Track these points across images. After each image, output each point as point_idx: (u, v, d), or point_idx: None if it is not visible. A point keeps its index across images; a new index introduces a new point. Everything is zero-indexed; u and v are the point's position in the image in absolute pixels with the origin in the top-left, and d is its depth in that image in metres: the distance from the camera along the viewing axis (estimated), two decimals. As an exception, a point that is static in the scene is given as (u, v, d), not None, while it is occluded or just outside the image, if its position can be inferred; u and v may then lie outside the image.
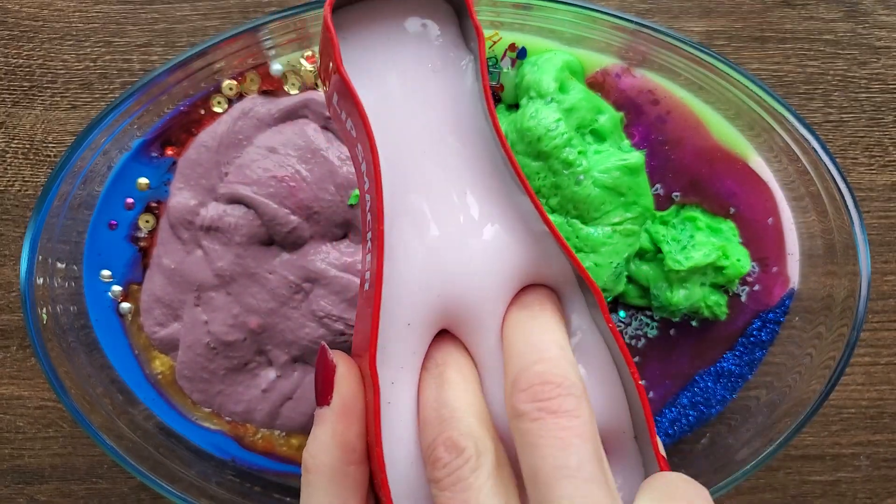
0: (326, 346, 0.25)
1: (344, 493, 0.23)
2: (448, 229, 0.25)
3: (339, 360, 0.24)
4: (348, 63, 0.24)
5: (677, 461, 0.39)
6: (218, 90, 0.36)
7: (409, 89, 0.26)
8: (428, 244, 0.24)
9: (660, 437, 0.36)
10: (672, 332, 0.39)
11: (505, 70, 0.36)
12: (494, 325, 0.25)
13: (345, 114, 0.24)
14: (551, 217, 0.35)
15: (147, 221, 0.37)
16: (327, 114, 0.36)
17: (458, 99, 0.26)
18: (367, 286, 0.24)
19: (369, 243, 0.24)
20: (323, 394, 0.24)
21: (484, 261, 0.25)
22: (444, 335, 0.26)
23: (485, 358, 0.25)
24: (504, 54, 0.36)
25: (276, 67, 0.36)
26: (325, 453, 0.23)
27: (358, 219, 0.36)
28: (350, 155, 0.26)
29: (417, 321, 0.24)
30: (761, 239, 0.38)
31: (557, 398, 0.21)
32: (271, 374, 0.37)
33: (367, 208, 0.24)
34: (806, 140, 0.35)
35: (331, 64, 0.24)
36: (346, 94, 0.23)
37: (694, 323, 0.39)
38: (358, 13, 0.25)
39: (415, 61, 0.26)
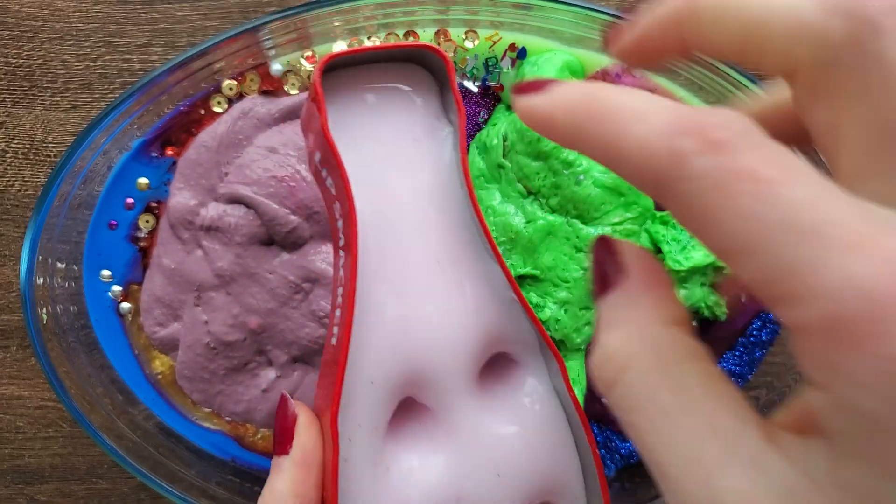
0: (288, 395, 0.25)
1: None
2: (419, 298, 0.25)
3: (301, 410, 0.24)
4: (333, 123, 0.25)
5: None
6: (218, 90, 0.36)
7: (389, 155, 0.26)
8: (398, 311, 0.25)
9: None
10: (672, 332, 0.39)
11: (505, 70, 0.36)
12: (459, 398, 0.25)
13: (325, 171, 0.25)
14: (551, 217, 0.35)
15: (147, 221, 0.37)
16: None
17: (437, 168, 0.27)
18: (333, 340, 0.24)
19: (339, 298, 0.24)
20: (282, 443, 0.24)
21: (451, 334, 0.25)
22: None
23: (450, 428, 0.25)
24: (504, 54, 0.36)
25: (276, 67, 0.36)
26: (279, 502, 0.23)
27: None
28: (327, 213, 0.26)
29: (380, 382, 0.24)
30: (761, 239, 0.38)
31: None
32: (271, 374, 0.37)
33: (341, 264, 0.25)
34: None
35: (315, 124, 0.24)
36: (329, 155, 0.24)
37: (694, 323, 0.39)
38: (346, 77, 0.26)
39: (397, 129, 0.27)
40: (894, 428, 0.12)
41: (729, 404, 0.15)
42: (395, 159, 0.26)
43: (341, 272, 0.25)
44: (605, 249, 0.18)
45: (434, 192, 0.26)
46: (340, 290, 0.24)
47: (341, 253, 0.25)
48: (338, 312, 0.24)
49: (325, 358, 0.25)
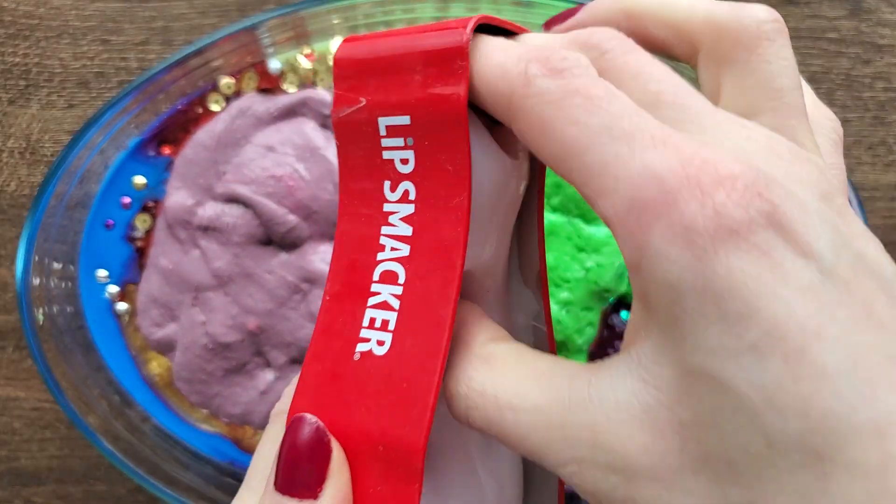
0: (320, 422, 0.19)
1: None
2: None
3: (335, 445, 0.19)
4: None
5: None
6: (215, 88, 0.36)
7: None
8: None
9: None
10: (674, 332, 0.38)
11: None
12: None
13: (402, 141, 0.19)
14: (553, 216, 0.35)
15: (144, 221, 0.37)
16: (325, 112, 0.35)
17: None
18: (374, 346, 0.19)
19: (386, 294, 0.19)
20: (307, 484, 0.18)
21: None
22: None
23: None
24: (505, 52, 0.36)
25: (275, 65, 0.36)
26: None
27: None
28: (349, 176, 0.20)
29: None
30: (764, 239, 0.37)
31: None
32: (269, 375, 0.36)
33: (392, 257, 0.20)
34: (810, 139, 0.34)
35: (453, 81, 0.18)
36: (452, 136, 0.18)
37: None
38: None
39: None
40: (691, 288, 0.14)
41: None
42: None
43: (392, 266, 0.19)
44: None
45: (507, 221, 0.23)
46: (390, 290, 0.19)
47: (395, 244, 0.19)
48: (377, 314, 0.19)
49: (356, 369, 0.19)
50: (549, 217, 0.35)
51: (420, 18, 0.35)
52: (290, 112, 0.36)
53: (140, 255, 0.37)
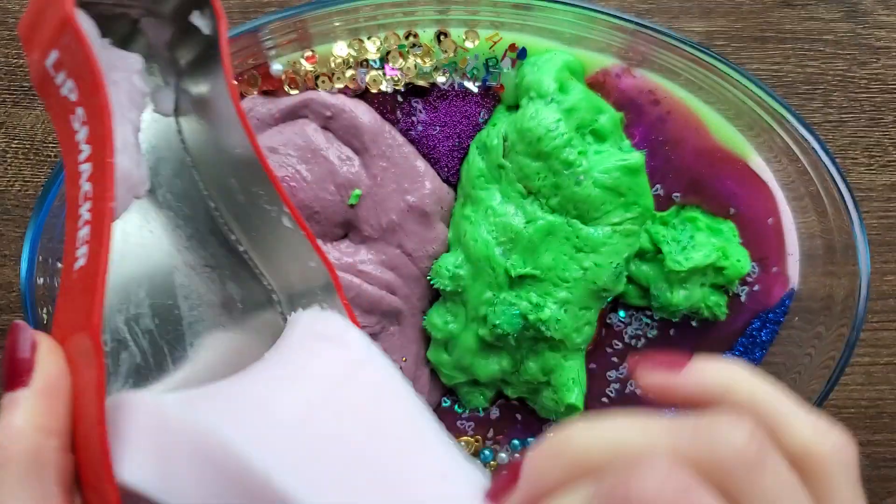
0: (22, 322, 0.22)
1: (45, 486, 0.20)
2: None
3: (41, 337, 0.22)
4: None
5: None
6: (218, 90, 0.36)
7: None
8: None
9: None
10: (672, 332, 0.39)
11: (505, 70, 0.36)
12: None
13: (63, 75, 0.22)
14: (551, 217, 0.35)
15: (147, 221, 0.37)
16: (327, 114, 0.36)
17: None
18: (81, 262, 0.22)
19: (85, 214, 0.22)
20: (16, 374, 0.21)
21: None
22: None
23: None
24: (504, 54, 0.36)
25: (276, 67, 0.36)
26: (20, 441, 0.20)
27: (359, 218, 0.36)
28: (57, 128, 0.24)
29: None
30: (761, 239, 0.38)
31: None
32: (271, 373, 0.37)
33: (84, 179, 0.22)
34: (806, 140, 0.35)
35: (53, 14, 0.22)
36: (77, 49, 0.21)
37: (694, 323, 0.39)
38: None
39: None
40: None
41: None
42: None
43: (85, 187, 0.22)
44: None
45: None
46: (87, 206, 0.22)
47: (83, 167, 0.22)
48: (84, 231, 0.22)
49: (71, 281, 0.23)
50: (548, 217, 0.35)
51: (420, 21, 0.36)
52: (291, 114, 0.36)
53: (143, 255, 0.37)
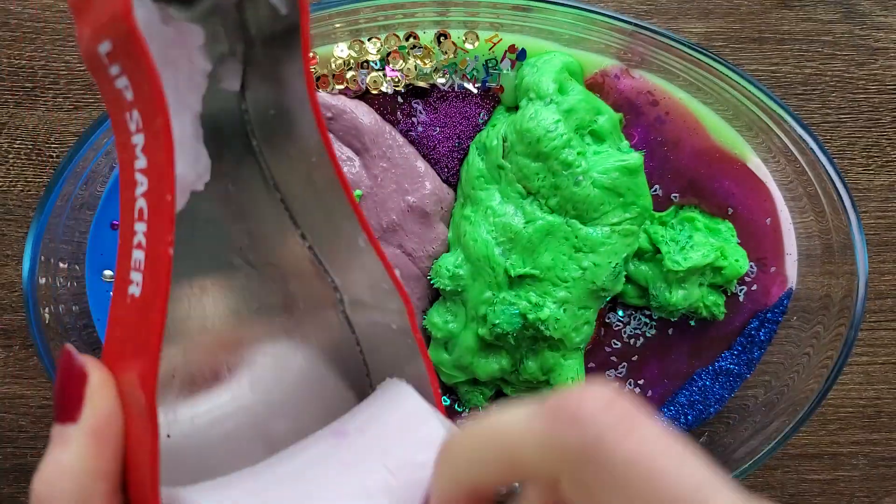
0: (72, 348, 0.20)
1: None
2: None
3: (92, 368, 0.20)
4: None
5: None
6: (219, 91, 0.36)
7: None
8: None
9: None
10: (670, 331, 0.39)
11: (505, 71, 0.36)
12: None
13: (118, 68, 0.19)
14: (550, 217, 0.35)
15: (149, 222, 0.37)
16: (328, 114, 0.36)
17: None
18: (135, 290, 0.19)
19: (137, 238, 0.20)
20: (67, 408, 0.19)
21: None
22: None
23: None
24: (504, 56, 0.36)
25: (277, 69, 0.36)
26: (68, 481, 0.19)
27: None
28: (109, 110, 0.20)
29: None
30: (759, 239, 0.38)
31: None
32: (272, 373, 0.37)
33: (140, 193, 0.19)
34: (804, 141, 0.35)
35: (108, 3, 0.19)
36: (135, 57, 0.18)
37: (692, 322, 0.39)
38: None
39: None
40: None
41: None
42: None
43: (140, 203, 0.19)
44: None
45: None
46: (143, 228, 0.19)
47: (139, 177, 0.19)
48: (138, 256, 0.19)
49: (126, 307, 0.20)
50: (547, 218, 0.35)
51: (420, 23, 0.36)
52: (292, 114, 0.36)
53: (145, 255, 0.37)
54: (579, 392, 0.16)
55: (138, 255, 0.19)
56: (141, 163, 0.19)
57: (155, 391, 0.18)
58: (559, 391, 0.16)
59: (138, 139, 0.19)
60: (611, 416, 0.15)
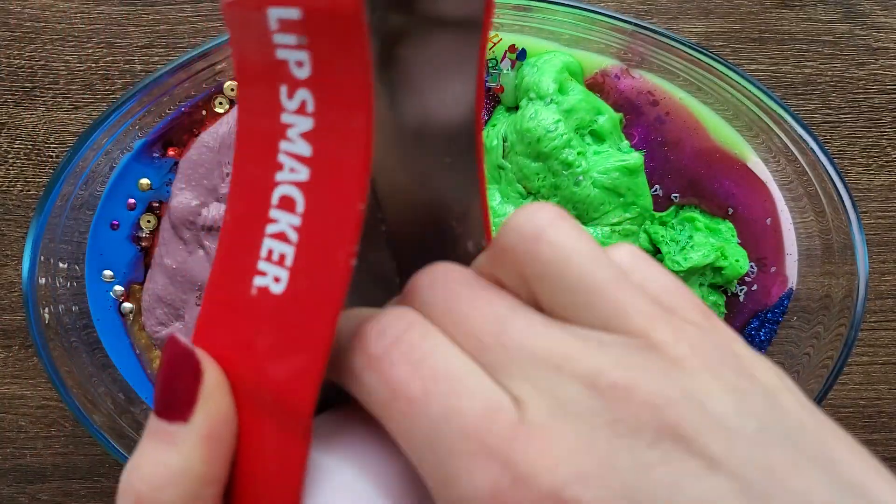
0: (181, 337, 0.18)
1: None
2: None
3: (207, 364, 0.17)
4: None
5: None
6: (220, 91, 0.36)
7: None
8: None
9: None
10: (671, 331, 0.39)
11: (504, 71, 0.36)
12: None
13: (294, 39, 0.16)
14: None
15: (149, 221, 0.37)
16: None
17: None
18: (274, 288, 0.17)
19: (280, 226, 0.17)
20: (176, 406, 0.17)
21: None
22: None
23: None
24: (504, 56, 0.36)
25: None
26: (177, 485, 0.17)
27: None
28: (249, 87, 0.17)
29: None
30: (759, 239, 0.38)
31: None
32: (272, 373, 0.37)
33: (292, 180, 0.17)
34: (804, 141, 0.35)
35: None
36: (346, 32, 0.15)
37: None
38: None
39: None
40: None
41: None
42: None
43: (290, 191, 0.17)
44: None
45: None
46: (293, 221, 0.17)
47: (294, 164, 0.17)
48: (285, 250, 0.17)
49: (247, 300, 0.18)
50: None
51: (420, 22, 0.36)
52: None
53: (145, 256, 0.37)
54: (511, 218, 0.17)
55: (280, 248, 0.17)
56: (299, 148, 0.17)
57: (314, 400, 0.16)
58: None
59: (297, 120, 0.17)
60: (537, 217, 0.16)
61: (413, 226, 0.23)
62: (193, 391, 0.17)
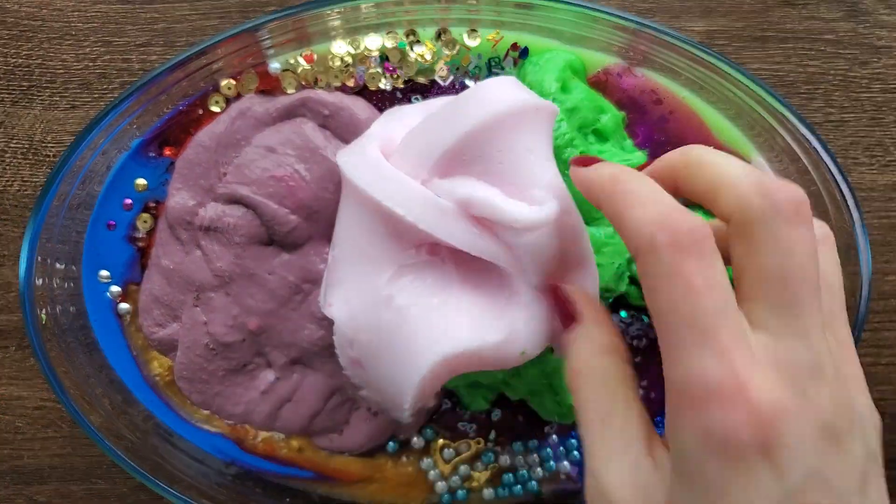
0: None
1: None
2: None
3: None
4: None
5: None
6: (216, 89, 0.36)
7: None
8: None
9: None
10: (673, 332, 0.39)
11: (507, 70, 0.36)
12: None
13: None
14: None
15: (145, 222, 0.37)
16: (325, 112, 0.35)
17: None
18: None
19: None
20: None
21: None
22: None
23: None
24: (506, 54, 0.36)
25: (275, 66, 0.36)
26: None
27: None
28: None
29: None
30: (762, 239, 0.38)
31: None
32: (270, 375, 0.36)
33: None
34: (807, 140, 0.35)
35: None
36: None
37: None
38: None
39: None
40: (700, 470, 0.20)
41: (634, 419, 0.24)
42: None
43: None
44: (560, 298, 0.28)
45: None
46: None
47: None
48: None
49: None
50: (549, 217, 0.35)
51: (419, 21, 0.36)
52: (289, 112, 0.36)
53: (142, 256, 0.37)
54: (781, 183, 0.22)
55: None
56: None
57: None
58: (766, 174, 0.23)
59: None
60: (790, 207, 0.21)
61: None
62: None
